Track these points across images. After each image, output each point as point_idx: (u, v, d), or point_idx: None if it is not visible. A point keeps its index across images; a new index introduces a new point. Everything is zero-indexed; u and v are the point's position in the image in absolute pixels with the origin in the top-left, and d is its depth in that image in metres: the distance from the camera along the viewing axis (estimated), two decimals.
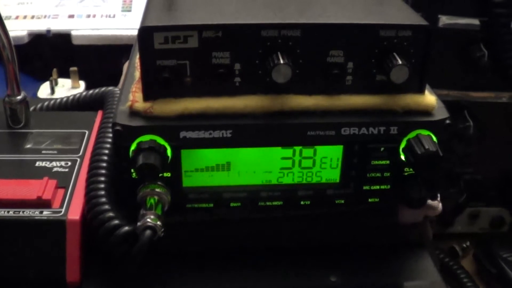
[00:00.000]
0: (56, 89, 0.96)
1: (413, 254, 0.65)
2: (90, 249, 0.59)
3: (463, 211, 0.93)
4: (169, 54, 0.54)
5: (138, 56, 0.63)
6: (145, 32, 0.54)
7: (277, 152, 0.58)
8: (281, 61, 0.53)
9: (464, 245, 0.94)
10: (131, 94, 0.57)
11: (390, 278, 0.62)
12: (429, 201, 0.63)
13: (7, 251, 0.57)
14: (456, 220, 0.95)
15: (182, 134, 0.55)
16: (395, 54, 0.55)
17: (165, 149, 0.55)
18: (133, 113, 0.56)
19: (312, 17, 0.57)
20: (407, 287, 0.61)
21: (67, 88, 0.97)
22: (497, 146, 0.89)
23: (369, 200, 0.61)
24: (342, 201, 0.61)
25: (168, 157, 0.56)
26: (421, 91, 0.58)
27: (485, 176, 0.92)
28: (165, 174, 0.57)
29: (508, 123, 0.87)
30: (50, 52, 1.05)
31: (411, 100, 0.58)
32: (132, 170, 0.56)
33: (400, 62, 0.54)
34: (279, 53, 0.54)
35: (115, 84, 0.78)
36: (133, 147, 0.55)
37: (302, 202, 0.61)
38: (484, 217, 0.95)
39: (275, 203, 0.60)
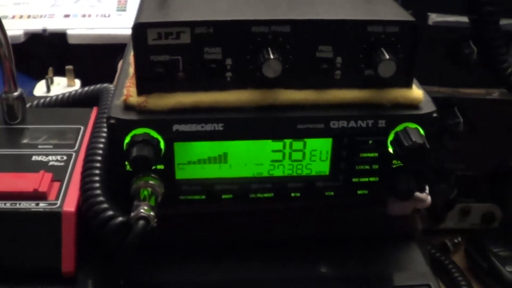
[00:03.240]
0: (52, 87, 0.97)
1: (402, 246, 0.66)
2: (85, 240, 0.60)
3: (454, 207, 0.94)
4: (162, 50, 0.56)
5: (132, 52, 0.64)
6: (139, 28, 0.55)
7: (268, 145, 0.59)
8: (271, 56, 0.54)
9: (456, 241, 0.94)
10: (125, 89, 0.58)
11: (380, 269, 0.63)
12: (418, 194, 0.64)
13: (3, 242, 0.57)
14: (448, 216, 0.96)
15: (175, 127, 0.57)
16: (382, 49, 0.56)
17: (158, 142, 0.56)
18: (127, 107, 0.57)
19: (301, 13, 0.58)
20: (396, 278, 0.63)
21: (62, 86, 0.97)
22: (487, 142, 0.90)
23: (358, 192, 0.62)
24: (332, 193, 0.62)
25: (161, 149, 0.57)
26: (408, 85, 0.59)
27: (476, 172, 0.93)
28: (159, 167, 0.58)
29: (497, 120, 0.88)
30: (46, 51, 1.06)
31: (398, 94, 0.59)
32: (126, 163, 0.57)
33: (387, 56, 0.56)
34: (269, 49, 0.55)
35: (111, 82, 0.79)
36: (127, 140, 0.56)
37: (292, 194, 0.62)
38: (475, 213, 0.96)
39: (266, 195, 0.61)
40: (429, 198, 0.66)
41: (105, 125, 0.64)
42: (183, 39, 0.55)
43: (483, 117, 0.88)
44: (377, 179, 0.62)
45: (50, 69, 0.97)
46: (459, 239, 0.94)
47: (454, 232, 0.96)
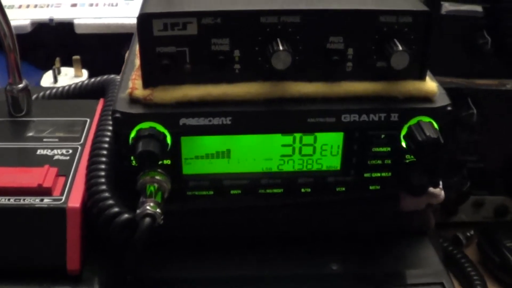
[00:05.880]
0: (59, 77, 0.96)
1: (415, 243, 0.65)
2: (90, 237, 0.59)
3: (467, 200, 0.93)
4: (168, 41, 0.54)
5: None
6: (144, 19, 0.54)
7: (277, 139, 0.58)
8: (281, 48, 0.53)
9: (468, 234, 0.93)
10: (131, 81, 0.57)
11: (392, 267, 0.62)
12: (431, 189, 0.63)
13: (7, 239, 0.57)
14: (460, 209, 0.95)
15: (182, 121, 0.55)
16: (395, 40, 0.55)
17: (165, 136, 0.55)
18: (133, 100, 0.56)
19: (312, 3, 0.56)
20: (409, 275, 0.62)
21: (70, 76, 0.97)
22: (500, 134, 0.88)
23: (370, 187, 0.61)
24: (343, 189, 0.61)
25: (167, 144, 0.56)
26: (422, 77, 0.58)
27: (489, 164, 0.92)
28: (165, 162, 0.57)
29: (511, 111, 0.87)
30: (53, 41, 1.05)
31: (412, 86, 0.57)
32: (132, 158, 0.56)
33: (400, 48, 0.54)
34: (278, 40, 0.54)
35: (118, 72, 0.78)
36: (132, 134, 0.55)
37: (302, 190, 0.60)
38: (488, 206, 0.95)
39: (275, 190, 0.60)
40: (442, 193, 0.65)
41: (111, 118, 0.63)
42: (190, 30, 0.54)
43: (497, 109, 0.87)
44: (389, 174, 0.60)
45: (57, 59, 0.97)
46: (472, 232, 0.94)
47: (466, 225, 0.95)
